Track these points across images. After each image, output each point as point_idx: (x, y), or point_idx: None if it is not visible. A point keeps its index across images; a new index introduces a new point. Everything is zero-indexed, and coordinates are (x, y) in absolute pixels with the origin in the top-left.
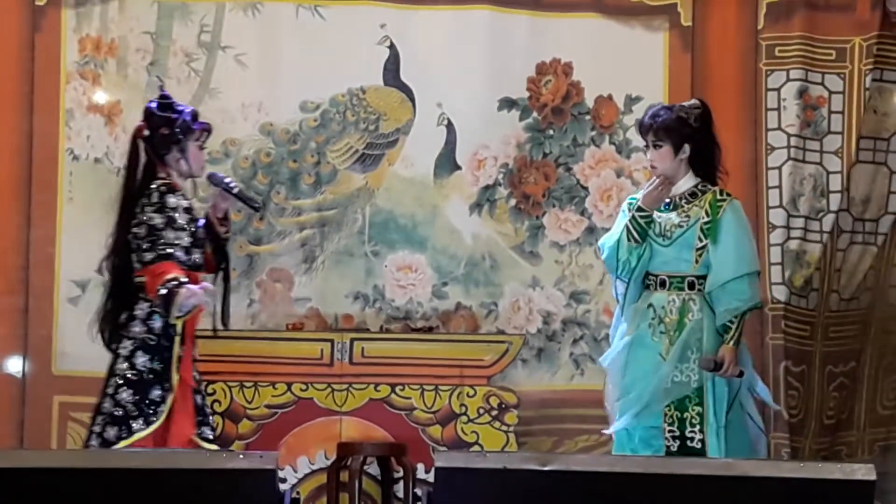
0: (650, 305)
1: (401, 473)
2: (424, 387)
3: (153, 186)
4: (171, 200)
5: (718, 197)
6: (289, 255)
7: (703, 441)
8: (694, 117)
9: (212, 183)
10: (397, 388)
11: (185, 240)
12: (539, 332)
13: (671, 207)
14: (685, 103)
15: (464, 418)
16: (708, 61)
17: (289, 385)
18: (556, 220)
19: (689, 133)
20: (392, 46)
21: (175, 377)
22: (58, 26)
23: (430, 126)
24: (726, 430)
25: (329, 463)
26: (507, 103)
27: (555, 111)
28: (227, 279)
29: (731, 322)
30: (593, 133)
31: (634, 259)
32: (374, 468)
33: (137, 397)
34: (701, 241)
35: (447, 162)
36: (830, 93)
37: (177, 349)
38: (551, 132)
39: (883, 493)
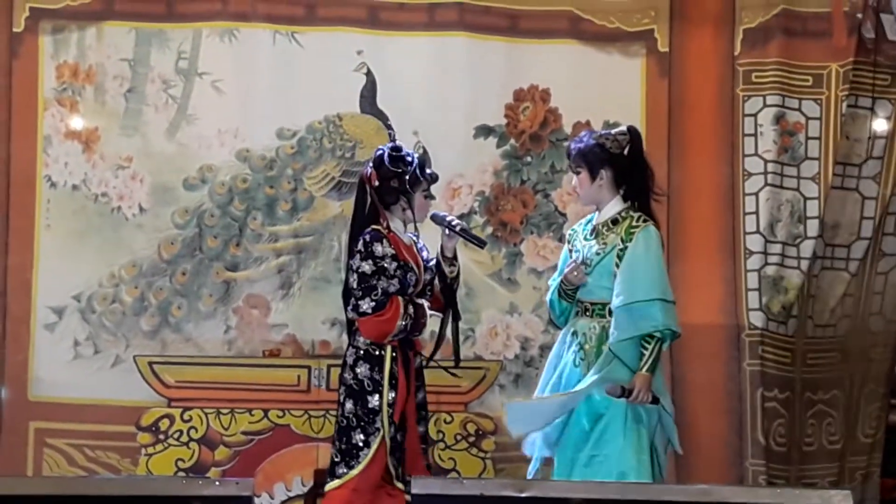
0: (574, 332)
1: None
2: None
3: (366, 232)
4: (378, 249)
5: (633, 223)
6: (265, 282)
7: None
8: (616, 144)
9: (435, 222)
10: None
11: (394, 286)
12: (517, 357)
13: (594, 235)
14: (612, 130)
15: (441, 445)
16: (685, 87)
17: (265, 412)
18: (534, 247)
19: (606, 159)
20: (369, 73)
21: (384, 420)
22: (35, 53)
23: None
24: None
25: (306, 489)
26: (484, 131)
27: (532, 138)
28: (456, 317)
29: (644, 347)
30: None
31: (570, 312)
32: None
33: (342, 444)
34: (618, 267)
35: None
36: (807, 118)
37: (386, 395)
38: (529, 159)
39: None
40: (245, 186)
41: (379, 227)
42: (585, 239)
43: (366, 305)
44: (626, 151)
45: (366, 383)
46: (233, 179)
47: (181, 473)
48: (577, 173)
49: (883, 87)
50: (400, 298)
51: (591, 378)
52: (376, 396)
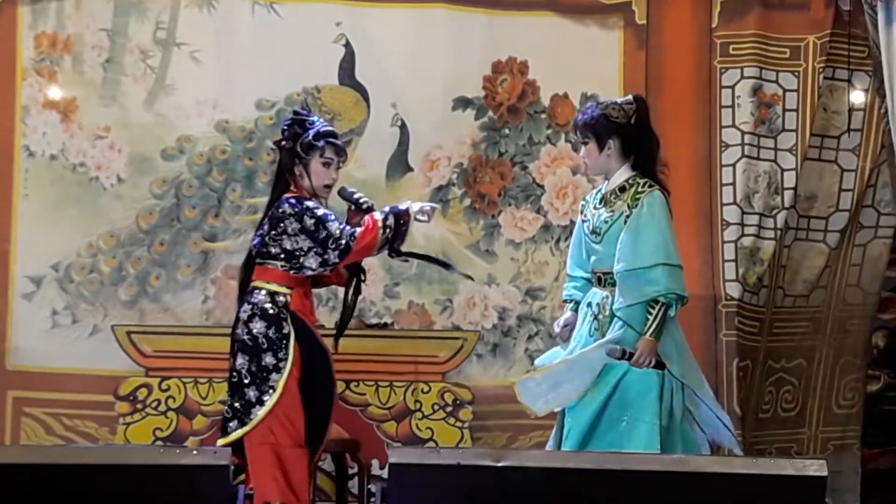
0: (589, 303)
1: (355, 470)
2: (379, 383)
3: (285, 199)
4: (310, 203)
5: (639, 189)
6: (243, 253)
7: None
8: (623, 113)
9: (342, 197)
10: (352, 385)
11: (339, 221)
12: (494, 327)
13: (603, 204)
14: (618, 99)
15: (418, 414)
16: (662, 59)
17: None
18: (512, 219)
19: (613, 129)
20: (347, 45)
21: (279, 378)
22: (14, 23)
23: (384, 127)
24: (669, 430)
25: None
26: (463, 102)
27: (510, 110)
28: (357, 292)
29: (649, 312)
30: (549, 131)
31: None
32: (328, 464)
33: (235, 400)
34: None
35: (399, 164)
36: (784, 90)
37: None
38: (507, 131)
39: (837, 491)
40: (224, 158)
41: (296, 192)
42: (595, 208)
43: (333, 256)
44: (632, 120)
45: (260, 340)
46: (211, 150)
47: (159, 442)
48: (585, 144)
49: (860, 59)
50: (378, 217)
51: (601, 340)
52: (269, 354)
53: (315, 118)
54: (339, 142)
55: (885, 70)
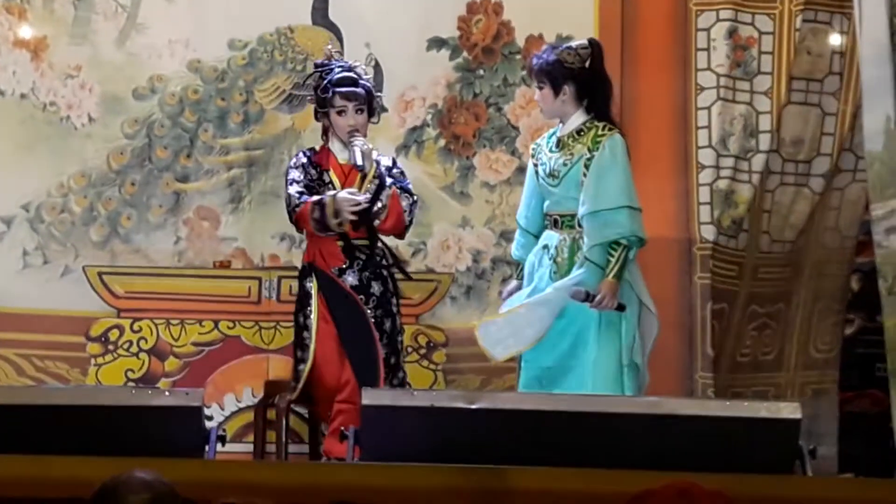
0: (545, 246)
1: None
2: None
3: None
4: (293, 162)
5: (599, 132)
6: (216, 195)
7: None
8: (578, 57)
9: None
10: None
11: (296, 189)
12: (468, 270)
13: (559, 147)
14: (573, 43)
15: None
16: (638, 1)
17: (216, 323)
18: (487, 161)
19: (567, 73)
20: None
21: (309, 336)
22: None
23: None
24: (626, 368)
25: (256, 401)
26: (437, 43)
27: (485, 51)
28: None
29: (610, 254)
30: (524, 73)
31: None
32: (301, 406)
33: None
34: (585, 176)
35: None
36: (760, 33)
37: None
38: (482, 72)
39: (816, 435)
40: (196, 98)
41: (313, 147)
42: (551, 151)
43: (290, 217)
44: (587, 65)
45: (298, 299)
46: (183, 90)
47: (131, 384)
48: (540, 88)
49: (839, 1)
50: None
51: (562, 281)
52: (301, 314)
53: (332, 64)
54: (347, 88)
55: (856, 13)
